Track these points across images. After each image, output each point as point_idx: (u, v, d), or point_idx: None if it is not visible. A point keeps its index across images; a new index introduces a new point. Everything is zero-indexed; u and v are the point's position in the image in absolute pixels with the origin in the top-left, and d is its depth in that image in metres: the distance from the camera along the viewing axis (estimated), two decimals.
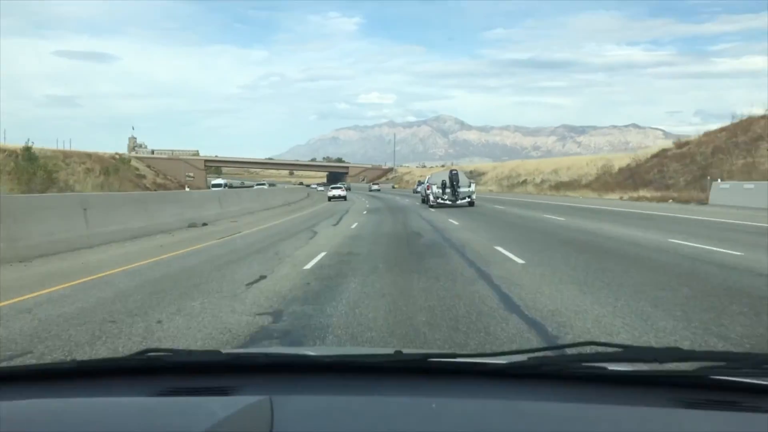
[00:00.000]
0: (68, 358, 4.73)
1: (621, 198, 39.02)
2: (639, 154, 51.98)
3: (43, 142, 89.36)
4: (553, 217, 22.46)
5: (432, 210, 29.71)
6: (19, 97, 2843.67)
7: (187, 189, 44.28)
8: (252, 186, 79.91)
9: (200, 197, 25.73)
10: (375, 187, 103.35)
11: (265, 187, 65.08)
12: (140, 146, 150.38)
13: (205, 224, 21.40)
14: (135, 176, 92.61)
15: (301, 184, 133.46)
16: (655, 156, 44.30)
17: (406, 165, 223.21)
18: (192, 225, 20.65)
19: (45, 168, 50.59)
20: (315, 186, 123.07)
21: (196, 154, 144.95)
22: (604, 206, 30.44)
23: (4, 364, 4.70)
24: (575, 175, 59.55)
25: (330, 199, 53.69)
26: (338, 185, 65.60)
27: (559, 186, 58.18)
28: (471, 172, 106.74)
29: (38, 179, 49.50)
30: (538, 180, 67.86)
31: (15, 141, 77.20)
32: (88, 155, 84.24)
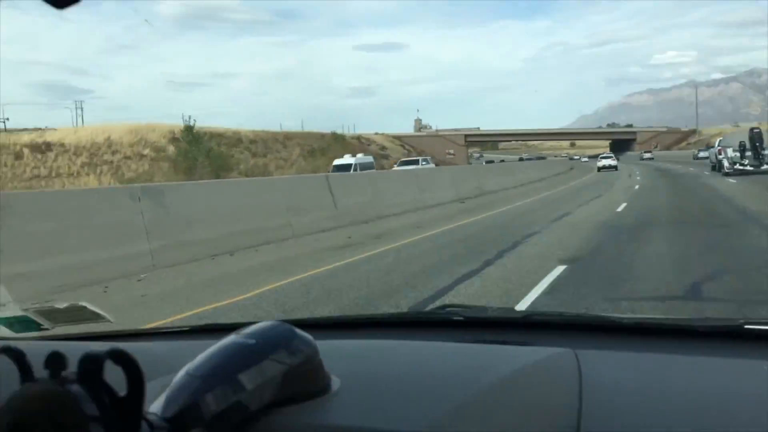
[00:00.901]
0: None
1: None
2: None
3: (340, 128, 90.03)
4: None
5: None
6: (329, 91, 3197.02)
7: None
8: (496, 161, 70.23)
9: None
10: (647, 155, 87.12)
11: (411, 167, 33.89)
12: (425, 126, 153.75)
13: None
14: (377, 155, 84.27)
15: (566, 156, 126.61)
16: None
17: (715, 127, 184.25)
18: None
19: (208, 153, 40.24)
20: (578, 158, 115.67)
21: (478, 131, 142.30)
22: None
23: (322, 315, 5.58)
24: None
25: (599, 169, 52.92)
26: (608, 155, 64.41)
27: None
28: None
29: (199, 166, 39.20)
30: None
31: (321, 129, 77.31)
32: (322, 135, 76.52)
